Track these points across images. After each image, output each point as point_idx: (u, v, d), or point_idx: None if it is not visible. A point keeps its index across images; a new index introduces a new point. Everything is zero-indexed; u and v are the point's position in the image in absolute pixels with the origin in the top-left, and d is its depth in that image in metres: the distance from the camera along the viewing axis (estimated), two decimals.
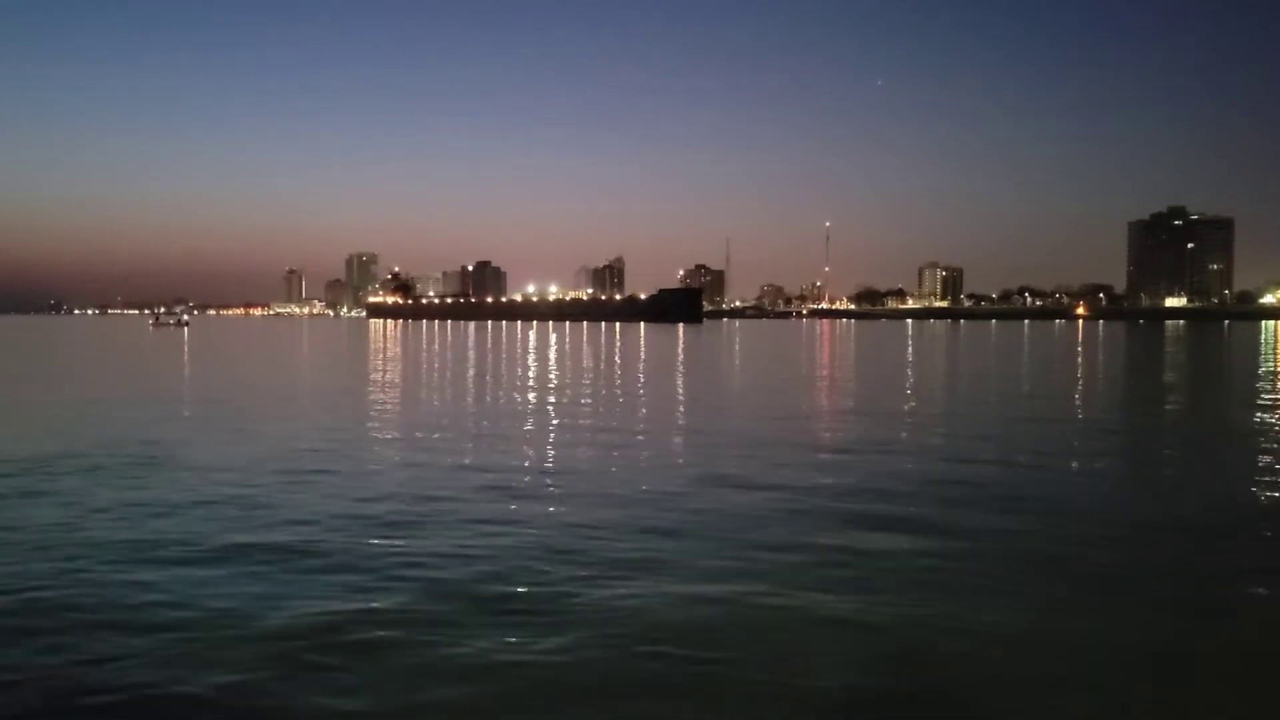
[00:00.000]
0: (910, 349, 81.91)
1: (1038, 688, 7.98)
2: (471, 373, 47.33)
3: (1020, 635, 9.11)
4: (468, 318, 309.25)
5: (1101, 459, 20.00)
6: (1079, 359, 63.26)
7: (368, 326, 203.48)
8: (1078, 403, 33.31)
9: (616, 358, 62.80)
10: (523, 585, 10.58)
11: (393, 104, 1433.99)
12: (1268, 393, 36.41)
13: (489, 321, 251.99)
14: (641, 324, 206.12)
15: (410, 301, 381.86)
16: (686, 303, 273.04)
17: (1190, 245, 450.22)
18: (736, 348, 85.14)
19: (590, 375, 45.51)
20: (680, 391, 38.13)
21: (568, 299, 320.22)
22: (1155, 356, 67.02)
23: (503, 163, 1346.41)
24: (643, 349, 77.72)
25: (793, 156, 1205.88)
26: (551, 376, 44.46)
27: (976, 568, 11.31)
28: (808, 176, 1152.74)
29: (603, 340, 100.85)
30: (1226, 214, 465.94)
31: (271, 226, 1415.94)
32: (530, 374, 46.17)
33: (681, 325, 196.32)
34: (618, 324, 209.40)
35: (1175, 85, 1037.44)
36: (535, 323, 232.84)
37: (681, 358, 65.11)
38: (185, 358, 66.05)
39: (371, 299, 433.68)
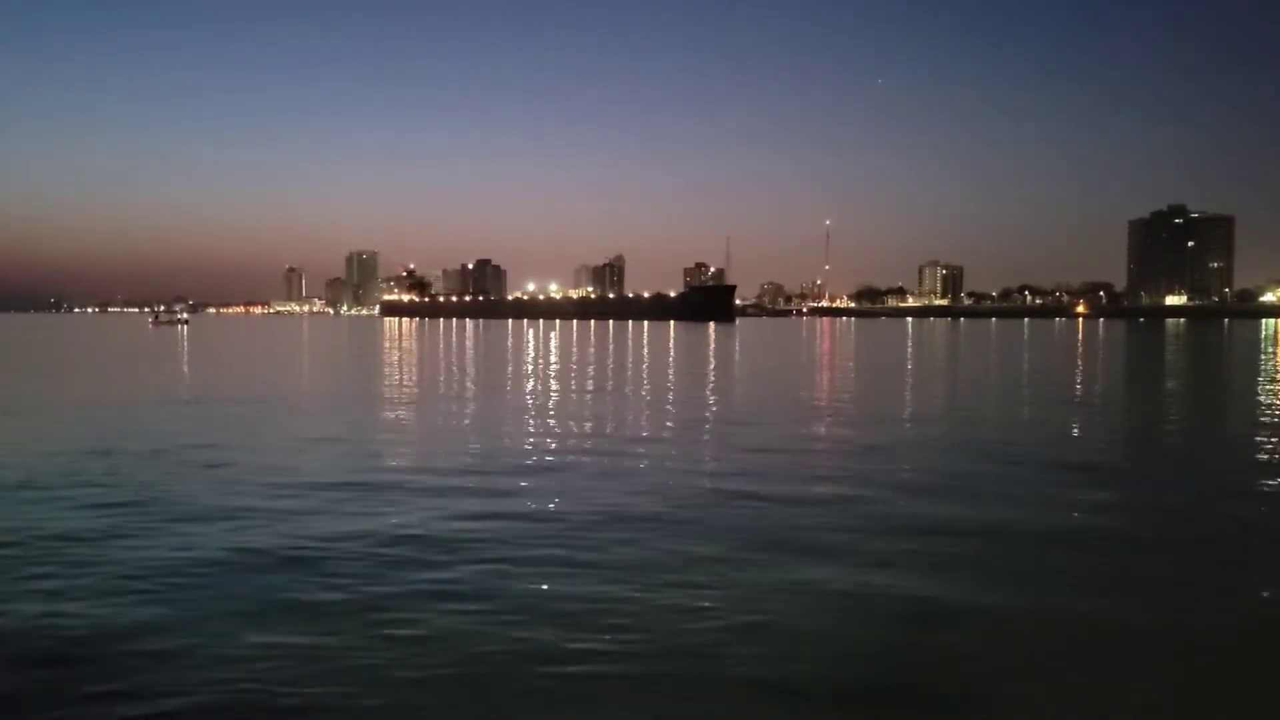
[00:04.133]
0: (988, 348, 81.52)
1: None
2: (550, 379, 41.48)
3: None
4: (486, 316, 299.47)
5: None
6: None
7: (383, 325, 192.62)
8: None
9: (684, 358, 60.10)
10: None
11: (392, 102, 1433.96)
12: None
13: (509, 320, 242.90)
14: (671, 322, 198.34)
15: (426, 299, 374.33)
16: (717, 300, 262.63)
17: (1190, 243, 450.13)
18: (785, 347, 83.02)
19: (691, 377, 42.82)
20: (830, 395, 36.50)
21: (592, 296, 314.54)
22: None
23: (503, 161, 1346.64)
24: (718, 350, 73.98)
25: (793, 156, 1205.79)
26: (666, 386, 38.81)
27: None
28: (808, 176, 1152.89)
29: (645, 339, 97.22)
30: (1227, 212, 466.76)
31: (271, 224, 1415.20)
32: (622, 380, 40.76)
33: (712, 324, 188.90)
34: (646, 322, 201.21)
35: (1175, 84, 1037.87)
36: (558, 321, 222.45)
37: (770, 359, 62.95)
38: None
39: (386, 297, 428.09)
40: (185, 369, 50.70)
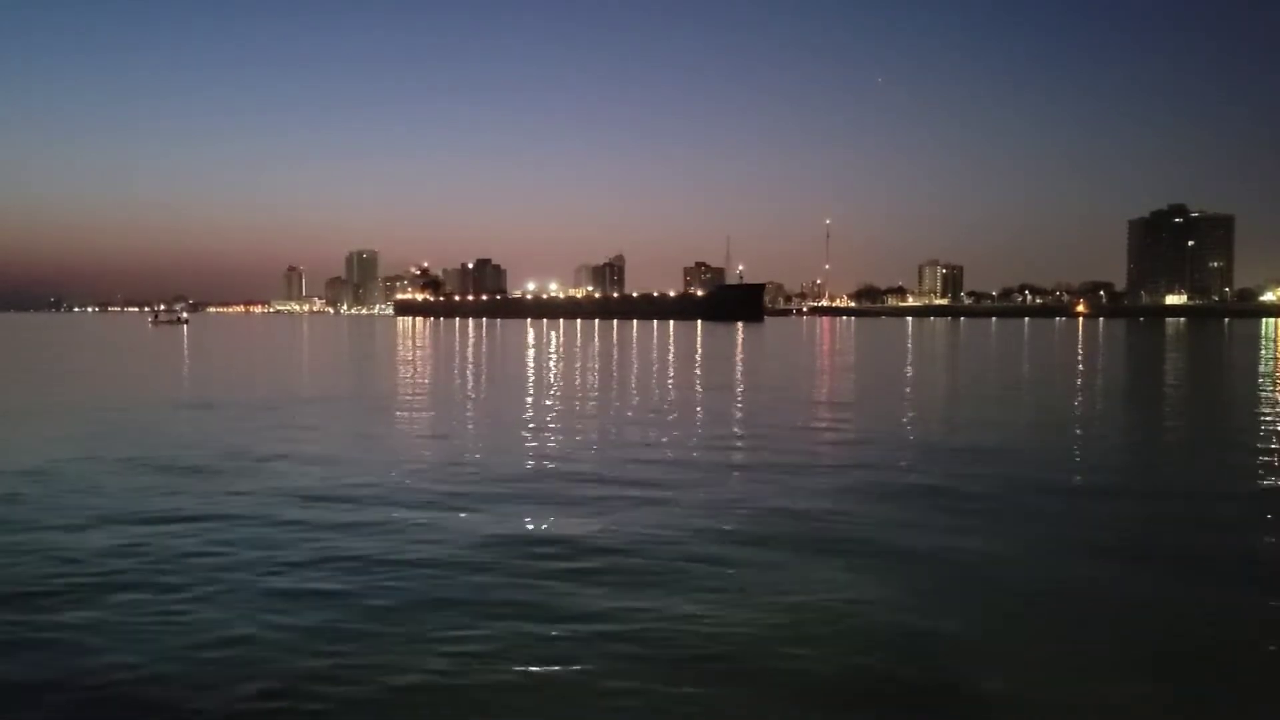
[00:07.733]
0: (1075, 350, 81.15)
1: None
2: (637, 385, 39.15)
3: None
4: (503, 315, 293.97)
5: None
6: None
7: (399, 325, 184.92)
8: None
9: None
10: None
11: (392, 101, 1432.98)
12: None
13: (527, 319, 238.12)
14: (699, 322, 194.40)
15: (441, 299, 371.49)
16: (746, 300, 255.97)
17: (1190, 243, 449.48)
18: (862, 349, 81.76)
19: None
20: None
21: (614, 296, 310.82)
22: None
23: (502, 160, 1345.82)
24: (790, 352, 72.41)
25: (793, 155, 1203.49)
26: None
27: None
28: (808, 175, 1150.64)
29: (698, 342, 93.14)
30: (1227, 211, 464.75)
31: (271, 224, 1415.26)
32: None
33: (741, 324, 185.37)
34: (671, 322, 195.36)
35: (1176, 83, 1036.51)
36: (579, 320, 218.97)
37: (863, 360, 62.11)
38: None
39: (400, 296, 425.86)
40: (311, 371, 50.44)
